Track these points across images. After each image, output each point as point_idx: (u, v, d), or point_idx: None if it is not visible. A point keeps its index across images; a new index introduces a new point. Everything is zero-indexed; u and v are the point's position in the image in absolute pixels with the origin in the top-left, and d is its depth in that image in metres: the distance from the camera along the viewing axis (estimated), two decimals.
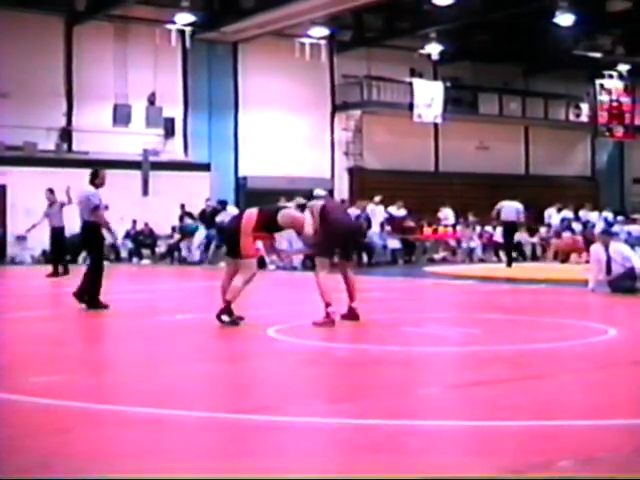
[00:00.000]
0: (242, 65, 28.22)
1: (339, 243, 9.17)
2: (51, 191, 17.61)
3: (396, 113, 29.46)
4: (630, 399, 5.31)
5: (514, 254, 24.21)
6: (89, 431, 4.30)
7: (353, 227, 9.22)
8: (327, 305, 8.77)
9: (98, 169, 11.23)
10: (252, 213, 9.02)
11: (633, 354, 7.13)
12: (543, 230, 25.84)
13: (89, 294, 10.69)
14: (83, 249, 12.64)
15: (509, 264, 20.20)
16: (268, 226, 9.03)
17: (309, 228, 9.04)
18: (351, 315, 9.08)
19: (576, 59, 30.36)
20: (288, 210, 9.27)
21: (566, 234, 23.21)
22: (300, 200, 9.89)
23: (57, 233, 17.41)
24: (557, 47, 29.06)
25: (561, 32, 27.60)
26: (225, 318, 8.76)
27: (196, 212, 24.07)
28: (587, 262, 15.24)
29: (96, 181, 11.01)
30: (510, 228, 20.83)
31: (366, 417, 4.72)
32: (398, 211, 24.84)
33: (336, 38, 29.30)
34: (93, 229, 10.91)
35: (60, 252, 17.60)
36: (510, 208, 20.50)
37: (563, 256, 22.72)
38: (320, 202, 9.28)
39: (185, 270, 21.68)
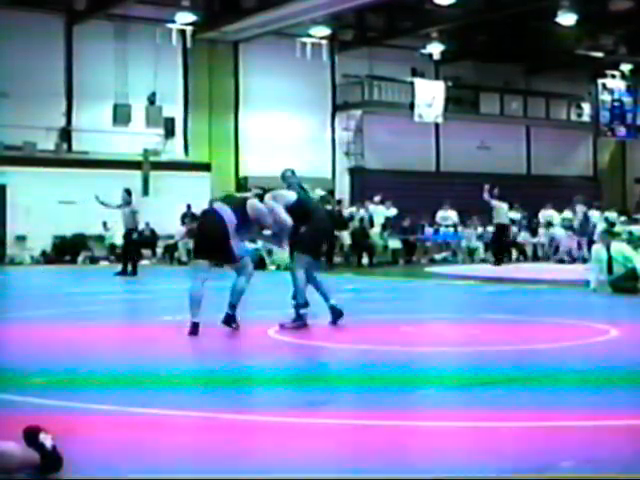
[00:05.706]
0: (243, 65, 28.21)
1: (321, 243, 8.96)
2: (128, 192, 18.30)
3: (397, 113, 29.45)
4: (630, 399, 5.29)
5: (514, 253, 24.37)
6: (90, 431, 4.28)
7: (331, 228, 8.94)
8: (303, 306, 8.50)
9: None
10: (229, 213, 8.18)
11: (634, 354, 7.11)
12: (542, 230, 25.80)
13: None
14: None
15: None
16: (245, 222, 8.25)
17: (284, 217, 8.36)
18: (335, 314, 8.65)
19: (578, 58, 30.34)
20: (253, 200, 8.46)
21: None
22: (257, 191, 8.98)
23: (128, 234, 18.39)
24: (559, 46, 29.05)
25: (563, 31, 27.61)
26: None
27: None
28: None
29: None
30: None
31: (366, 417, 4.71)
32: (388, 211, 24.57)
33: (337, 37, 29.29)
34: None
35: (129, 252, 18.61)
36: None
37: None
38: (291, 194, 8.64)
39: (184, 270, 21.61)
